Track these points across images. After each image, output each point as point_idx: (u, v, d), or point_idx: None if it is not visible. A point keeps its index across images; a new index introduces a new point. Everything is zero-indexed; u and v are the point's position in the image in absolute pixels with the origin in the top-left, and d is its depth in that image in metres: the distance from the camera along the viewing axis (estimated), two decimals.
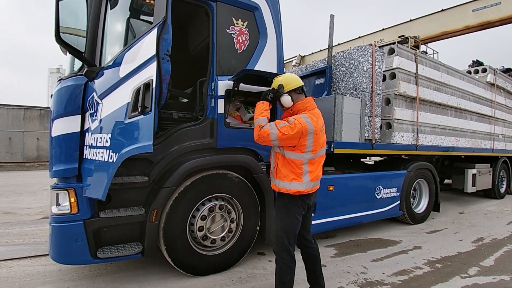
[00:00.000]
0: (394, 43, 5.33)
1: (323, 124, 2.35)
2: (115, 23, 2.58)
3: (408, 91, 4.73)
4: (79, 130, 2.48)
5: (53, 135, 2.51)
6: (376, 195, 4.39)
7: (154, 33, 1.95)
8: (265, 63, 3.27)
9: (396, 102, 4.68)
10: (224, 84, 3.00)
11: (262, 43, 3.28)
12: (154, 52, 1.91)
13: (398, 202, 4.66)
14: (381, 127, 4.81)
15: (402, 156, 5.03)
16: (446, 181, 8.71)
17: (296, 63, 13.97)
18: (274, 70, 3.33)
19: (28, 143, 16.19)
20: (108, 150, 2.22)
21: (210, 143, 2.96)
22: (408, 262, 3.40)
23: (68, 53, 2.36)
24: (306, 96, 2.35)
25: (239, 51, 3.14)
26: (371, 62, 4.29)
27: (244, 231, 3.16)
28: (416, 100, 4.92)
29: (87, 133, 2.49)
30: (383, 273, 3.09)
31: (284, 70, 5.82)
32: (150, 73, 1.96)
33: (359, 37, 13.79)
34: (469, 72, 7.22)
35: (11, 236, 4.02)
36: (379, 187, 4.42)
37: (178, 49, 4.23)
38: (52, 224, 2.48)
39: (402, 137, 4.76)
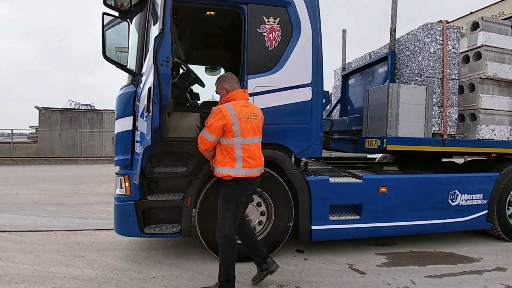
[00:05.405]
0: None
1: (254, 113, 2.51)
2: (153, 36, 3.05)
3: (500, 73, 3.74)
4: (131, 128, 3.05)
5: (115, 132, 3.17)
6: (450, 201, 3.65)
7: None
8: (300, 57, 3.22)
9: (482, 88, 3.78)
10: (253, 83, 3.11)
11: (296, 38, 3.23)
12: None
13: (485, 211, 3.74)
14: (463, 119, 3.98)
15: (492, 155, 4.00)
16: None
17: None
18: (309, 64, 3.25)
19: None
20: (139, 144, 2.68)
21: None
22: (476, 284, 2.74)
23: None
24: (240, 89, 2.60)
25: (270, 48, 3.18)
26: (440, 42, 3.61)
27: (276, 226, 3.19)
28: None
29: (136, 131, 3.04)
30: None
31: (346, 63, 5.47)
32: (151, 78, 2.29)
33: (471, 12, 11.42)
34: None
35: (109, 212, 5.14)
36: (455, 192, 3.65)
37: (229, 53, 4.60)
38: (114, 203, 3.13)
39: (492, 132, 3.80)
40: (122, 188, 3.09)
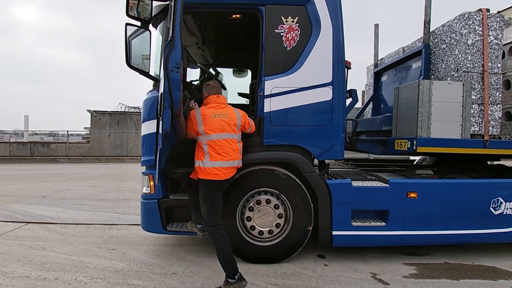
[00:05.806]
0: None
1: (225, 113, 2.69)
2: None
3: None
4: (155, 131, 3.21)
5: (142, 134, 3.37)
6: (492, 209, 3.28)
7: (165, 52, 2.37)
8: (319, 55, 3.14)
9: None
10: (270, 84, 3.10)
11: (315, 36, 3.15)
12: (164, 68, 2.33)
13: None
14: (510, 118, 3.56)
15: None
16: None
17: None
18: (330, 62, 3.14)
19: None
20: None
21: (257, 140, 3.14)
22: None
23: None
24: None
25: (288, 49, 3.14)
26: (480, 33, 3.26)
27: (294, 229, 3.14)
28: None
29: (159, 133, 3.20)
30: None
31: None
32: (163, 84, 2.39)
33: None
34: None
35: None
36: (498, 200, 3.27)
37: (254, 55, 4.60)
38: (141, 201, 3.33)
39: None
40: (148, 187, 3.29)
